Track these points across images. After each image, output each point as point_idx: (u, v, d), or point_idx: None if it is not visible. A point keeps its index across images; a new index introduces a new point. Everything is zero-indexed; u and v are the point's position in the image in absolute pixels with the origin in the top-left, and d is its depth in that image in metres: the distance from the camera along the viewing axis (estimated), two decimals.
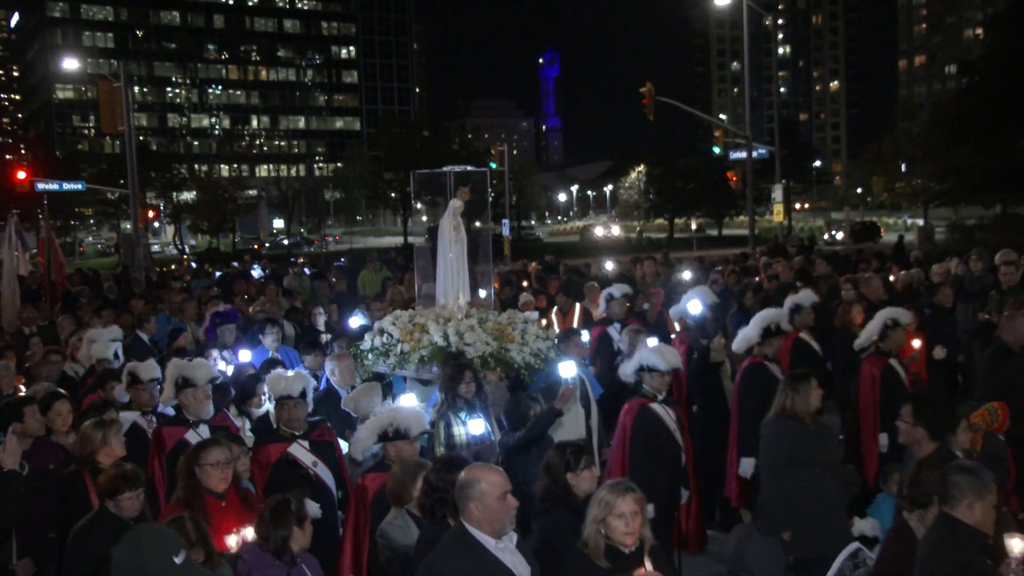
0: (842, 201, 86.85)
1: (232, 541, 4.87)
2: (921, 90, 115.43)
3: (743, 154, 34.43)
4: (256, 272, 22.78)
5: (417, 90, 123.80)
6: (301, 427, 6.42)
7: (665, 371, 6.81)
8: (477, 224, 9.59)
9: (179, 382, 6.80)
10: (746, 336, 7.84)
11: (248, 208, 78.33)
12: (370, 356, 8.41)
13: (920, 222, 59.79)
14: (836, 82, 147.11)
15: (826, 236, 61.02)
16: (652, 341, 8.41)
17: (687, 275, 14.84)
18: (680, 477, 6.85)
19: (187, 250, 69.66)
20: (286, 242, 74.73)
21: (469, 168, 9.37)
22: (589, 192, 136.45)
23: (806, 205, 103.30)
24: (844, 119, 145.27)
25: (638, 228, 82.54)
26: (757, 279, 14.42)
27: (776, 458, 6.23)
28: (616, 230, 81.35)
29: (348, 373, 8.02)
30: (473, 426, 6.34)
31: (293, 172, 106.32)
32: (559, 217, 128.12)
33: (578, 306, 12.03)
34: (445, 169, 9.12)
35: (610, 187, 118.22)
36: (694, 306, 9.41)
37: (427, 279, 14.64)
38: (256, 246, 69.67)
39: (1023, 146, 36.75)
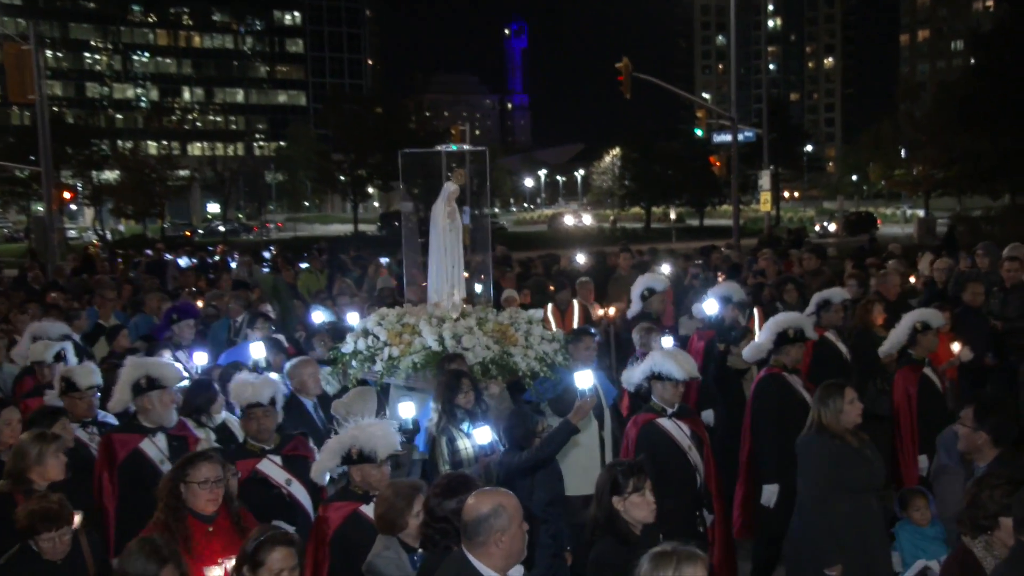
0: (835, 190, 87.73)
1: (215, 574, 4.68)
2: (925, 68, 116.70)
3: (728, 137, 34.46)
4: (183, 262, 22.51)
5: (370, 62, 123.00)
6: (272, 439, 6.20)
7: (680, 380, 6.56)
8: (485, 210, 9.59)
9: (141, 383, 6.55)
10: (758, 345, 7.67)
11: (179, 190, 77.03)
12: (354, 362, 8.21)
13: (921, 213, 60.47)
14: (831, 59, 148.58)
15: (817, 228, 61.53)
16: (667, 341, 8.28)
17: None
18: (696, 501, 6.58)
19: (109, 236, 68.50)
20: (222, 228, 73.93)
21: (466, 147, 9.33)
22: (559, 177, 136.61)
23: (796, 194, 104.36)
24: (839, 100, 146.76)
25: (612, 217, 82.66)
26: (719, 275, 14.40)
27: (816, 481, 5.99)
28: (588, 219, 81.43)
29: (313, 381, 7.73)
30: (480, 435, 6.17)
31: (230, 151, 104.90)
32: (525, 204, 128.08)
33: (576, 303, 11.89)
34: (438, 148, 9.04)
35: (582, 172, 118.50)
36: (710, 306, 9.25)
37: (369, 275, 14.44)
38: (188, 232, 68.80)
39: None
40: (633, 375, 6.85)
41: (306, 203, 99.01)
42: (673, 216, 71.69)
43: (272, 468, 6.09)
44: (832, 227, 61.18)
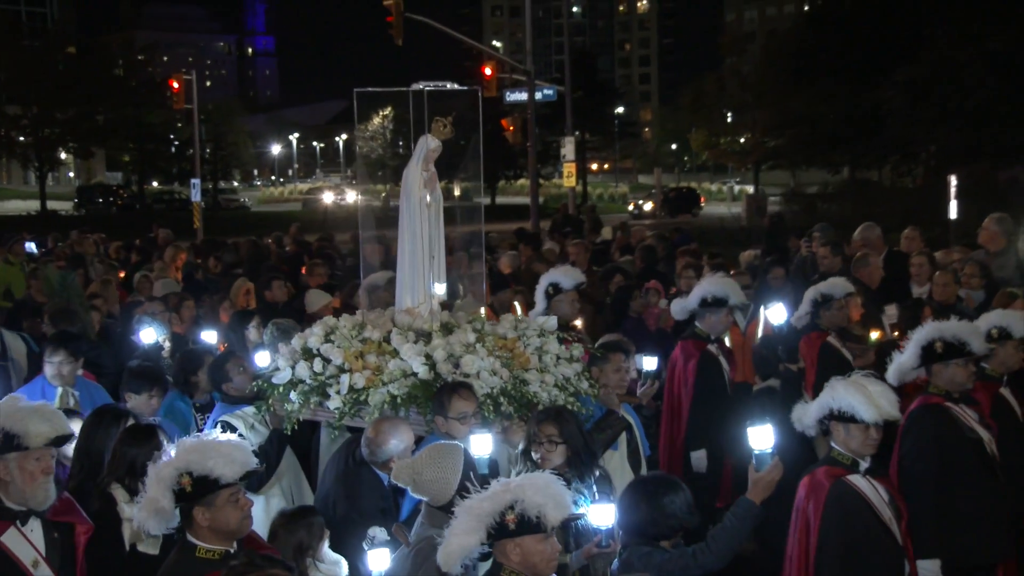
0: (653, 161, 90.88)
1: None
2: (753, 14, 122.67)
3: (523, 96, 35.34)
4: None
5: None
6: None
7: (873, 424, 5.84)
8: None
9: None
10: (902, 363, 6.96)
11: None
12: (293, 396, 7.18)
13: (750, 189, 63.49)
14: (645, 1, 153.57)
15: (631, 206, 63.40)
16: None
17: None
18: None
19: None
20: None
21: (451, 86, 8.69)
22: (316, 143, 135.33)
23: (606, 165, 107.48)
24: (656, 51, 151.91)
25: (384, 194, 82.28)
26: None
27: None
28: (353, 197, 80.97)
29: (408, 447, 6.54)
30: (599, 514, 5.55)
31: None
32: (273, 177, 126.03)
33: (518, 305, 11.31)
34: (417, 87, 8.26)
35: (344, 137, 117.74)
36: (777, 313, 9.10)
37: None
38: None
39: (884, 92, 39.19)
40: (807, 415, 6.08)
41: None
42: (457, 192, 71.80)
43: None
44: (648, 206, 63.09)
